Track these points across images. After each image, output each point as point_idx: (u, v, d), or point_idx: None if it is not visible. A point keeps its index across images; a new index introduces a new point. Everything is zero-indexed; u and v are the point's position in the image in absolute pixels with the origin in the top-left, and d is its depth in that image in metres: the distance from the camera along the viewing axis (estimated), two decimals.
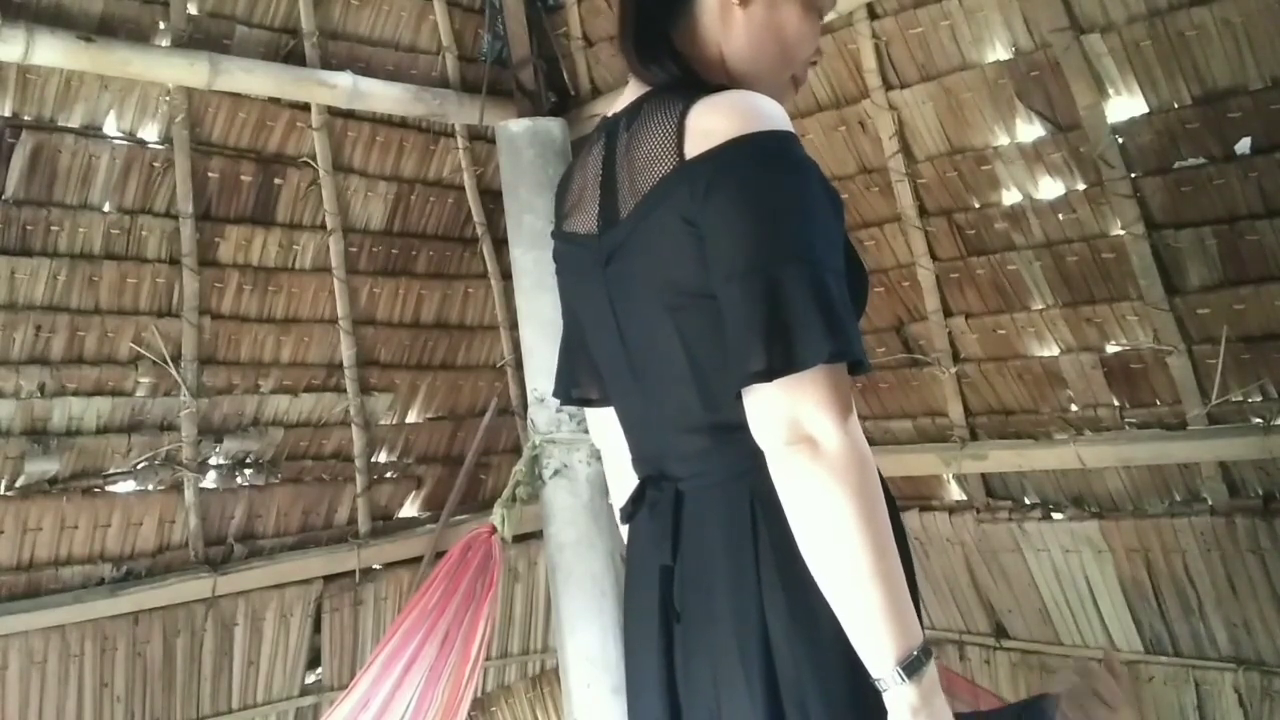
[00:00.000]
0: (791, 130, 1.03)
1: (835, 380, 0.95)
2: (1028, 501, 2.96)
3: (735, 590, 1.04)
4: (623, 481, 1.32)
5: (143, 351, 2.95)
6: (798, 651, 1.00)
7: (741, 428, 1.02)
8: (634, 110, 1.13)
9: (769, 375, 0.93)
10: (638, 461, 1.24)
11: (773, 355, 0.93)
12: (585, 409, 1.41)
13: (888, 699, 0.94)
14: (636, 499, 1.21)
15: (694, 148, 1.02)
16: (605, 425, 1.35)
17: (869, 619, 0.93)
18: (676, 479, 1.13)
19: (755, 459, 1.01)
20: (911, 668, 0.92)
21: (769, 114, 1.03)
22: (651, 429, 1.19)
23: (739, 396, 0.98)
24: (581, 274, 1.21)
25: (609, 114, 1.21)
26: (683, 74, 1.13)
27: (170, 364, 2.98)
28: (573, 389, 1.36)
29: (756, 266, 0.96)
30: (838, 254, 1.01)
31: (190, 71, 2.76)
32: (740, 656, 1.02)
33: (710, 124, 1.02)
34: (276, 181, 3.20)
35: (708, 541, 1.08)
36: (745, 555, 1.04)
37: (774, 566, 1.02)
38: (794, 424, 0.94)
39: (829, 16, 1.31)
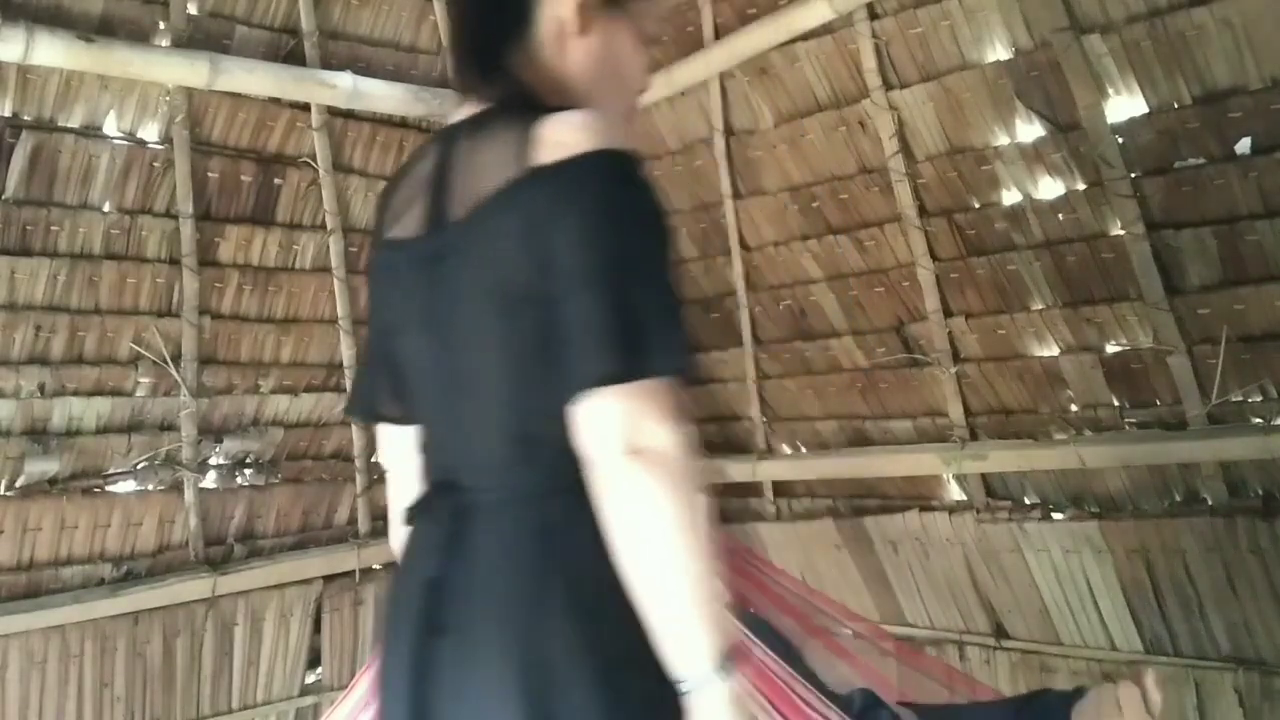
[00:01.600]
0: (639, 155, 1.06)
1: (673, 391, 0.98)
2: (1028, 501, 2.95)
3: (512, 609, 1.02)
4: (403, 505, 1.26)
5: (143, 351, 2.95)
6: (580, 671, 0.99)
7: (547, 443, 1.02)
8: (477, 121, 1.14)
9: (622, 378, 0.94)
10: (428, 472, 1.21)
11: (627, 359, 0.94)
12: (379, 427, 1.35)
13: (706, 695, 0.96)
14: (421, 506, 1.18)
15: (545, 157, 1.02)
16: (396, 445, 1.30)
17: (695, 622, 0.96)
18: (466, 489, 1.11)
19: (555, 479, 1.03)
20: (730, 662, 0.97)
21: (619, 136, 1.05)
22: (452, 438, 1.16)
23: (568, 403, 0.98)
24: (400, 279, 1.19)
25: (443, 127, 1.22)
26: (522, 92, 1.14)
27: (170, 364, 2.98)
28: (377, 407, 1.30)
29: (610, 275, 0.97)
30: (675, 275, 1.05)
31: (190, 71, 2.76)
32: (512, 673, 1.00)
33: (563, 136, 1.03)
34: (276, 181, 3.21)
35: (489, 556, 1.06)
36: (527, 574, 1.03)
37: (562, 589, 1.02)
38: (634, 432, 0.94)
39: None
